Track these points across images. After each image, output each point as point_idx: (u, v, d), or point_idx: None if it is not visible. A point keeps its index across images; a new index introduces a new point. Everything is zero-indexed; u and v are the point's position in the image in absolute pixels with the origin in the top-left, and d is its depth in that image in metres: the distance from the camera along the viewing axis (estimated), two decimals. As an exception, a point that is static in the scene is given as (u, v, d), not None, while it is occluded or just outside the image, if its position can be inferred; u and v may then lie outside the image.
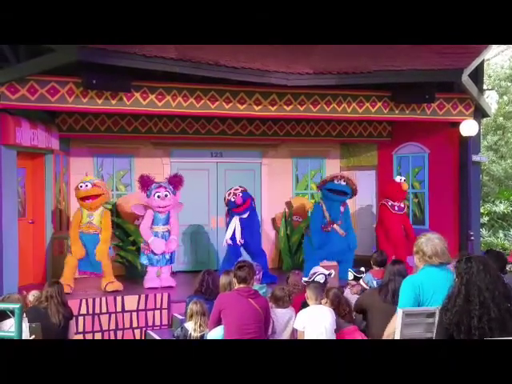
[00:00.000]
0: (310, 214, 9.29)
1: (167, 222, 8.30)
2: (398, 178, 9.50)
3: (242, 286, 4.92)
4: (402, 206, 9.48)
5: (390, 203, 9.35)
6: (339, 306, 5.16)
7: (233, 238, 8.58)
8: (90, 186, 7.77)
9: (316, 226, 8.84)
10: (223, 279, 5.63)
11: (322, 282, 5.84)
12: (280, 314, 5.27)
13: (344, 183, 8.80)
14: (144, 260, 8.29)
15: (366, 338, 5.10)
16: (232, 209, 8.58)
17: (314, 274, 6.10)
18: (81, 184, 7.83)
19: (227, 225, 8.81)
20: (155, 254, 8.17)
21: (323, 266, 6.79)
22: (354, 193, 8.98)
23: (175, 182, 8.30)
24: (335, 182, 8.80)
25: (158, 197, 8.07)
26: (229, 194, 8.57)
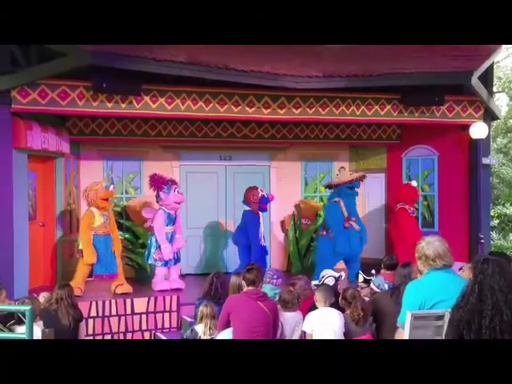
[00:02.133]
0: (325, 215, 9.07)
1: (174, 221, 8.37)
2: (413, 183, 9.52)
3: (250, 288, 4.93)
4: (413, 209, 9.55)
5: (407, 207, 9.40)
6: (353, 310, 5.12)
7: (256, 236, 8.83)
8: (112, 188, 8.14)
9: (339, 227, 8.63)
10: (234, 279, 5.65)
11: (331, 284, 5.85)
12: (288, 318, 5.27)
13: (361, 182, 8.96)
14: (151, 260, 8.26)
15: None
16: (262, 205, 8.87)
17: (324, 276, 6.10)
18: (107, 185, 8.11)
19: (251, 223, 8.83)
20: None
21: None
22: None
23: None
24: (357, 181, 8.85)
25: (178, 192, 8.27)
26: (262, 190, 9.04)
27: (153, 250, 8.26)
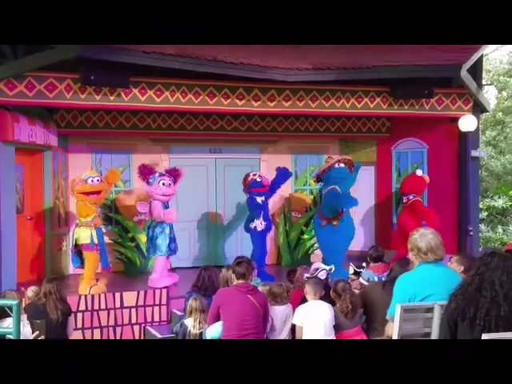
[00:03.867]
0: (326, 203, 8.60)
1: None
2: (418, 172, 9.40)
3: (240, 281, 4.91)
4: (404, 200, 9.55)
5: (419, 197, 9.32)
6: (342, 303, 5.13)
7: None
8: (96, 181, 7.45)
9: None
10: (225, 272, 5.62)
11: (323, 278, 5.84)
12: (278, 311, 5.26)
13: (343, 165, 8.53)
14: (159, 252, 8.02)
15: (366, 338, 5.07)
16: (256, 189, 8.55)
17: (317, 269, 6.08)
18: (88, 177, 7.43)
19: (254, 208, 8.56)
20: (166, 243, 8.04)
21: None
22: (351, 170, 8.73)
23: (175, 174, 8.31)
24: (336, 166, 8.47)
25: (163, 184, 8.04)
26: (254, 175, 8.68)
27: (160, 242, 8.02)
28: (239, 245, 10.04)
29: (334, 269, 6.27)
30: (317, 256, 9.60)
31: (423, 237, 3.79)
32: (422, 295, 3.73)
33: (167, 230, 8.11)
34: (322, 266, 6.19)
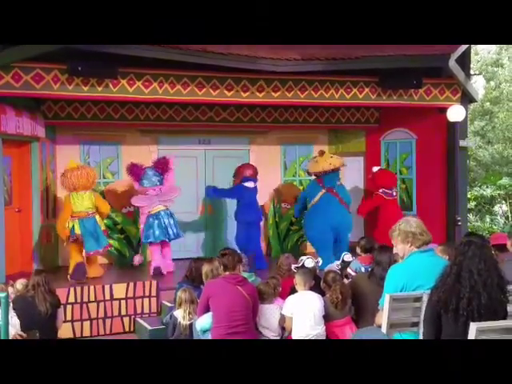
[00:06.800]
0: (306, 191, 9.36)
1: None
2: (374, 168, 9.78)
3: (228, 273, 4.92)
4: (394, 193, 9.73)
5: (381, 190, 9.57)
6: (332, 293, 5.15)
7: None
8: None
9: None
10: (206, 267, 5.60)
11: (310, 266, 5.84)
12: (265, 309, 5.21)
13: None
14: (147, 239, 8.27)
15: (356, 329, 5.09)
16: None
17: (303, 260, 6.10)
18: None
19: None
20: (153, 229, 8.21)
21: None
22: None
23: (163, 165, 8.30)
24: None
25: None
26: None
27: (151, 230, 8.25)
28: (229, 236, 10.03)
29: (321, 262, 6.30)
30: (306, 247, 9.63)
31: (408, 223, 3.86)
32: (413, 286, 3.75)
33: (165, 219, 8.30)
34: (310, 256, 6.20)
